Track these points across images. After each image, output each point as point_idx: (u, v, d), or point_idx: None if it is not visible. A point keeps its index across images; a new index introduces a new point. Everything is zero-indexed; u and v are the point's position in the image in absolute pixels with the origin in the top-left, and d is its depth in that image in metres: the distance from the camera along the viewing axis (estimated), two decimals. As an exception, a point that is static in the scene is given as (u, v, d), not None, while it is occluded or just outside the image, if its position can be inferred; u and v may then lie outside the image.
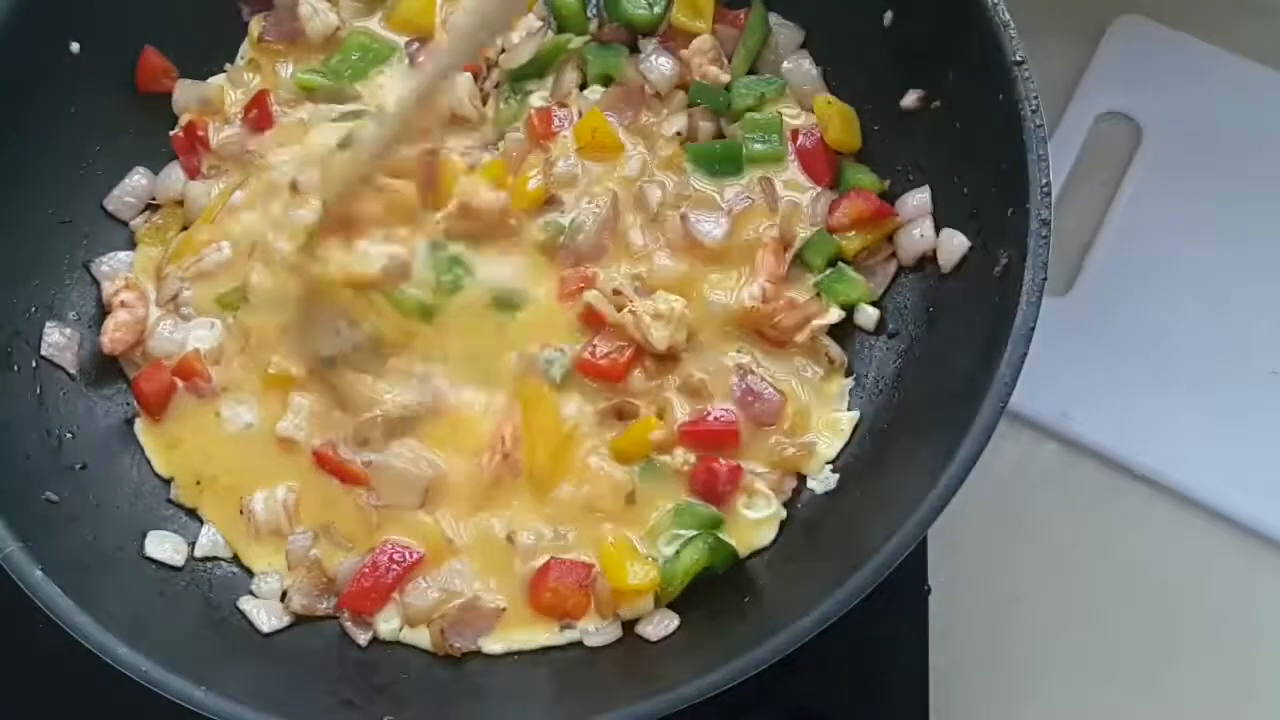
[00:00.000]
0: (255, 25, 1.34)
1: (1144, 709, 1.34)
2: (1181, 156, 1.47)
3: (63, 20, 1.23)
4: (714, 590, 1.17)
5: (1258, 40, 1.50)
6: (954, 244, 1.19)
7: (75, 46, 1.24)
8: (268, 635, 1.16)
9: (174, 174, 1.33)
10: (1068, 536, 1.38)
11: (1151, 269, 1.43)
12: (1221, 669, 1.34)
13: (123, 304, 1.25)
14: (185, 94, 1.33)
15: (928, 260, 1.23)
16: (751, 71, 1.33)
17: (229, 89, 1.34)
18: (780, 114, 1.30)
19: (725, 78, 1.31)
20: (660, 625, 1.14)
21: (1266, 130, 1.48)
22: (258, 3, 1.36)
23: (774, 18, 1.33)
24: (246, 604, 1.17)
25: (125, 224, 1.32)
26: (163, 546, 1.18)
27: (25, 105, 1.22)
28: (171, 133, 1.33)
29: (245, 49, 1.36)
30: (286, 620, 1.17)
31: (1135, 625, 1.35)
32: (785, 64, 1.32)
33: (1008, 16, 1.11)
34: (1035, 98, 1.10)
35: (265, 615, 1.17)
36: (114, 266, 1.29)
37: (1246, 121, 1.48)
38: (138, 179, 1.31)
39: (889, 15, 1.24)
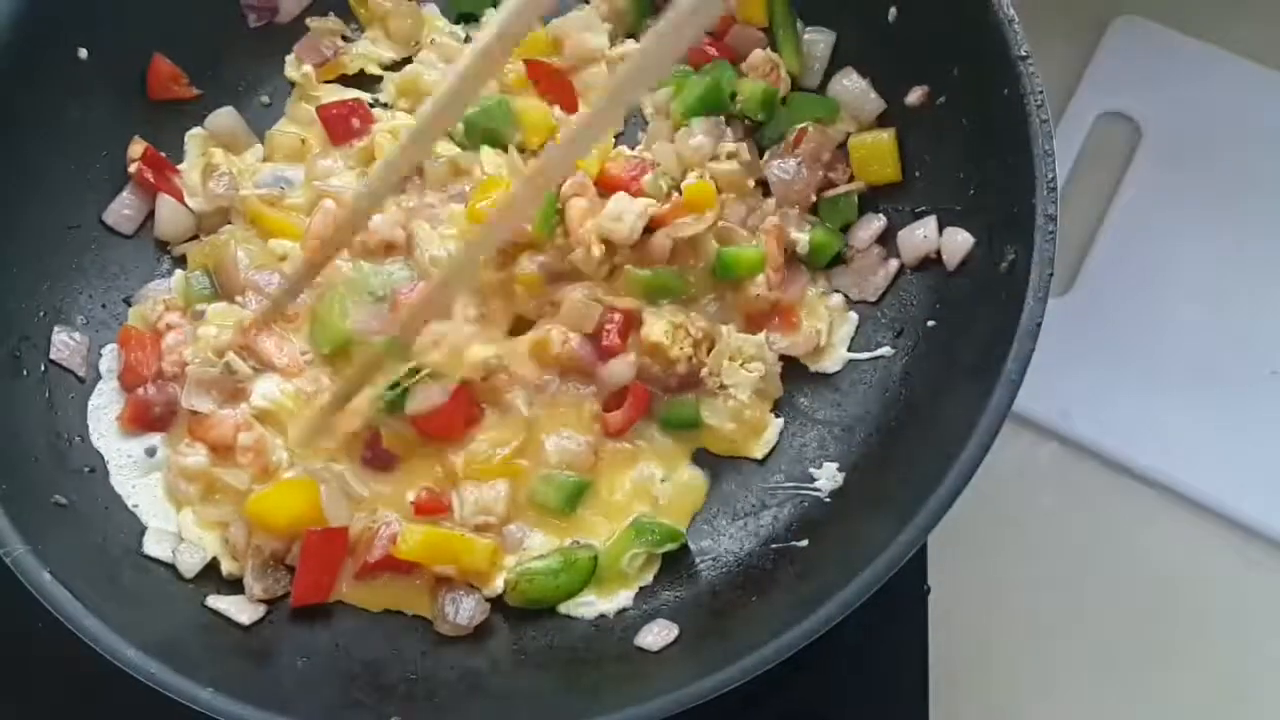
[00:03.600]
0: (293, 70, 1.37)
1: (1143, 709, 1.34)
2: (1181, 156, 1.47)
3: (70, 26, 1.24)
4: (719, 590, 1.18)
5: (1258, 40, 1.50)
6: (958, 241, 1.19)
7: (83, 53, 1.25)
8: (248, 628, 1.15)
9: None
10: (1068, 536, 1.38)
11: (1151, 269, 1.43)
12: (1220, 668, 1.34)
13: (169, 326, 1.25)
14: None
15: (932, 259, 1.23)
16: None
17: (292, 126, 1.37)
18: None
19: (781, 93, 1.31)
20: (660, 635, 1.14)
21: (1266, 130, 1.48)
22: (263, 8, 1.37)
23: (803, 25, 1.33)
24: (216, 603, 1.16)
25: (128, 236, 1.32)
26: (161, 545, 1.18)
27: (32, 110, 1.22)
28: (130, 169, 1.31)
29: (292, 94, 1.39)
30: (260, 611, 1.16)
31: (1135, 625, 1.35)
32: (834, 85, 1.31)
33: (1012, 11, 1.11)
34: (1040, 93, 1.09)
35: (236, 610, 1.15)
36: (149, 292, 1.29)
37: (1246, 121, 1.48)
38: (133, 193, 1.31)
39: (893, 11, 1.25)
